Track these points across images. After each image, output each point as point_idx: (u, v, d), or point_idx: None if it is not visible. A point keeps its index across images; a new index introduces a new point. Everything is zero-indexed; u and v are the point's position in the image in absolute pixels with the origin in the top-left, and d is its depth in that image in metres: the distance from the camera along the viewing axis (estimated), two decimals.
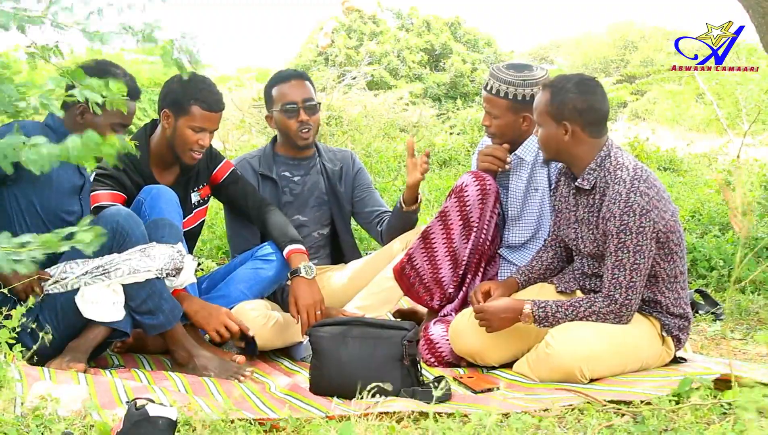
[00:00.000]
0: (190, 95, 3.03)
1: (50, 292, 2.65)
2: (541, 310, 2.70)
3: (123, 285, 2.70)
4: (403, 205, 3.33)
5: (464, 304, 3.12)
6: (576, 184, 2.76)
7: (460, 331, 2.90)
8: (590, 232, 2.74)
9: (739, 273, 3.86)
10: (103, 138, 1.40)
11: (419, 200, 3.34)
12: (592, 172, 2.71)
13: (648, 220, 2.58)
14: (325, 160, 3.53)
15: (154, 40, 1.57)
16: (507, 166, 3.12)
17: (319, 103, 3.48)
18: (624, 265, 2.61)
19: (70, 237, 1.38)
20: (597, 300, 2.67)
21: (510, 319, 2.75)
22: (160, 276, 2.74)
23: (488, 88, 3.07)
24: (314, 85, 3.50)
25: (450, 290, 3.14)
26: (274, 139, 3.55)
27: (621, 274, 2.62)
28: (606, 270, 2.66)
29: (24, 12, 1.59)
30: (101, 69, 2.73)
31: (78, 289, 2.65)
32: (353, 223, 3.70)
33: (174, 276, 2.81)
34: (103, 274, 2.65)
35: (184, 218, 3.19)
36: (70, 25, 1.60)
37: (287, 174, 3.48)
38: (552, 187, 3.02)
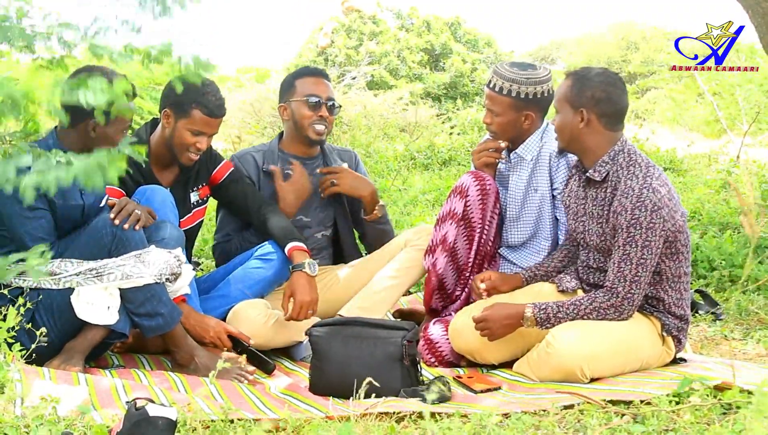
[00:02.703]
0: (192, 98, 3.03)
1: (43, 285, 2.64)
2: (542, 312, 2.71)
3: (120, 288, 2.69)
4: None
5: (466, 304, 3.12)
6: (587, 174, 2.76)
7: (459, 328, 2.90)
8: (599, 225, 2.74)
9: (749, 273, 3.85)
10: (111, 156, 1.40)
11: (376, 211, 3.42)
12: (604, 164, 2.73)
13: (659, 217, 2.59)
14: (330, 161, 3.51)
15: (161, 61, 1.57)
16: (504, 158, 3.12)
17: (340, 106, 3.51)
18: (631, 259, 2.61)
19: (19, 261, 1.39)
20: (598, 295, 2.68)
21: (512, 324, 2.75)
22: (158, 281, 2.73)
23: (491, 85, 3.07)
24: None
25: (456, 293, 3.15)
26: (280, 135, 3.54)
27: (627, 267, 2.62)
28: (612, 263, 2.66)
29: (31, 27, 1.59)
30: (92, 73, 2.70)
31: (73, 288, 2.65)
32: None
33: (171, 281, 2.79)
34: (96, 277, 2.64)
35: (182, 218, 3.19)
36: (77, 43, 1.60)
37: (291, 172, 3.46)
38: (564, 185, 3.02)
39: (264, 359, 2.92)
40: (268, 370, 2.89)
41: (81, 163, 1.42)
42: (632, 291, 2.64)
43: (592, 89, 2.70)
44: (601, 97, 2.70)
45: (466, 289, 3.14)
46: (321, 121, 3.37)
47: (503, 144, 3.10)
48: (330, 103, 3.39)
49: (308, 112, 3.36)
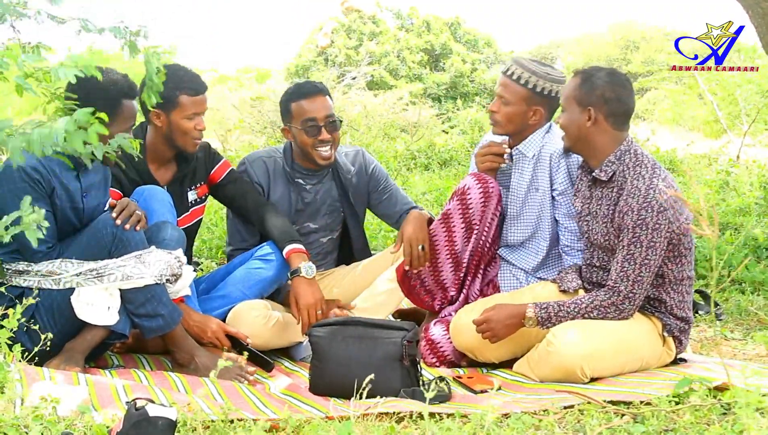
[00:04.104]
0: (174, 87, 3.03)
1: (43, 285, 2.64)
2: (543, 311, 2.71)
3: (121, 289, 2.69)
4: None
5: (465, 304, 3.12)
6: (593, 174, 2.77)
7: (460, 326, 2.90)
8: (604, 225, 2.75)
9: (718, 275, 3.86)
10: (90, 118, 1.41)
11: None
12: (610, 164, 2.73)
13: (664, 218, 2.59)
14: (339, 165, 3.42)
15: (135, 49, 1.59)
16: (507, 161, 3.11)
17: (341, 120, 3.37)
18: (635, 259, 2.62)
19: (17, 222, 1.40)
20: (599, 294, 2.68)
21: (514, 324, 2.75)
22: (159, 282, 2.72)
23: (509, 72, 3.03)
24: (332, 98, 3.38)
25: (452, 293, 3.14)
26: (290, 144, 3.42)
27: (630, 267, 2.62)
28: (615, 262, 2.67)
29: (18, 4, 1.60)
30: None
31: (73, 289, 2.65)
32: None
33: (172, 283, 2.79)
34: (97, 277, 2.64)
35: (180, 216, 3.19)
36: (66, 19, 1.61)
37: (301, 181, 3.39)
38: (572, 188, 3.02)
39: (263, 358, 2.92)
40: (268, 369, 2.89)
41: (62, 122, 1.44)
42: (634, 290, 2.64)
43: (601, 88, 2.71)
44: (610, 97, 2.70)
45: (465, 290, 3.14)
46: (324, 144, 3.26)
47: (507, 149, 3.09)
48: (329, 120, 3.26)
49: (308, 138, 3.26)
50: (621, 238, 2.66)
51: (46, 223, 1.42)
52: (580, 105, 2.73)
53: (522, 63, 3.03)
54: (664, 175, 2.67)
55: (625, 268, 2.64)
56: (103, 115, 1.66)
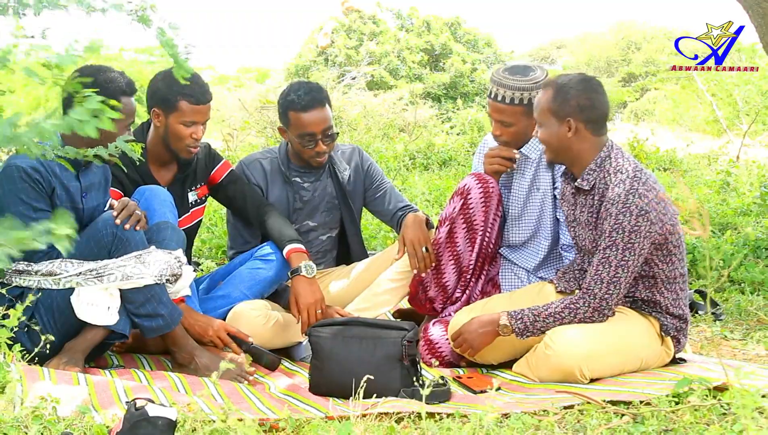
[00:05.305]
0: (176, 91, 3.03)
1: (43, 285, 2.64)
2: (519, 322, 2.70)
3: (121, 289, 2.69)
4: None
5: (466, 305, 3.12)
6: (576, 184, 2.76)
7: (458, 328, 2.90)
8: (590, 231, 2.74)
9: (717, 275, 3.87)
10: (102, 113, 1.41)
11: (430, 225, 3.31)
12: (591, 172, 2.72)
13: (646, 220, 2.58)
14: (335, 163, 3.44)
15: (147, 21, 1.58)
16: (515, 166, 3.11)
17: (337, 133, 3.37)
18: (610, 262, 2.61)
19: (47, 232, 1.37)
20: (573, 299, 2.67)
21: (489, 333, 2.75)
22: (159, 282, 2.72)
23: (497, 98, 3.02)
24: (331, 104, 3.33)
25: (457, 295, 3.14)
26: (287, 142, 3.43)
27: (605, 270, 2.62)
28: (591, 266, 2.66)
29: None
30: (92, 73, 2.70)
31: (73, 289, 2.65)
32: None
33: (172, 283, 2.79)
34: (96, 277, 2.64)
35: (180, 217, 3.19)
36: (66, 4, 1.60)
37: (298, 180, 3.41)
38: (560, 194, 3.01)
39: (269, 355, 2.94)
40: (274, 366, 2.91)
41: (75, 112, 1.44)
42: (610, 291, 2.63)
43: (575, 98, 2.68)
44: (585, 105, 2.68)
45: (467, 291, 3.14)
46: (321, 154, 3.28)
47: (517, 154, 3.08)
48: (327, 133, 3.26)
49: (306, 149, 3.27)
50: (599, 243, 2.65)
51: (18, 254, 1.41)
52: (558, 117, 2.70)
53: (505, 83, 3.00)
54: (645, 179, 2.65)
55: (600, 272, 2.63)
56: (115, 102, 1.67)
